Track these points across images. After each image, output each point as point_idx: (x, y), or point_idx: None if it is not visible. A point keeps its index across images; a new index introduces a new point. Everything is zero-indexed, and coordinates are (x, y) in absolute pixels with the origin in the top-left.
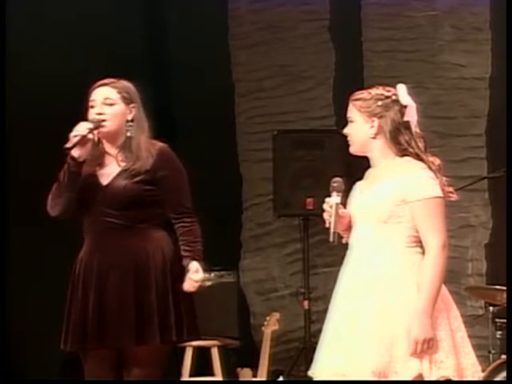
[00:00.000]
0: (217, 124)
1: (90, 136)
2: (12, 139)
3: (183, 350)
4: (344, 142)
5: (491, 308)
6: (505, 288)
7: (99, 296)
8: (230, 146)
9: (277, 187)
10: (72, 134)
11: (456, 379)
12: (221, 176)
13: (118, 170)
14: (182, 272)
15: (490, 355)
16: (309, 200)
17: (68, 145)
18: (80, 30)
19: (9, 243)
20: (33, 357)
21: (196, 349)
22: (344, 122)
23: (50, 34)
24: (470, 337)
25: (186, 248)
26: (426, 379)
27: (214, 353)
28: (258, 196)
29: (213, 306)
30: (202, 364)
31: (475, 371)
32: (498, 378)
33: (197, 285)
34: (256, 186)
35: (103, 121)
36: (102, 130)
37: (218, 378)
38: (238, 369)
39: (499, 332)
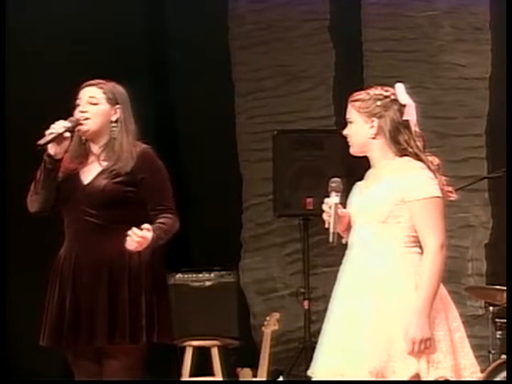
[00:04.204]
0: (217, 124)
1: (67, 134)
2: (11, 139)
3: (183, 349)
4: (344, 141)
5: (491, 308)
6: (505, 288)
7: (75, 294)
8: (230, 146)
9: (277, 187)
10: (47, 132)
11: (454, 379)
12: (221, 176)
13: (99, 169)
14: (157, 275)
15: (490, 355)
16: (309, 200)
17: (41, 141)
18: (80, 30)
19: (8, 242)
20: (33, 357)
21: (196, 349)
22: (344, 122)
23: (50, 34)
24: (469, 337)
25: (151, 225)
26: (424, 379)
27: (214, 353)
28: (257, 196)
29: (213, 305)
30: (202, 364)
31: (473, 371)
32: (498, 378)
33: (139, 240)
34: (256, 186)
35: (86, 119)
36: (82, 128)
37: (218, 377)
38: (238, 369)
39: (499, 332)
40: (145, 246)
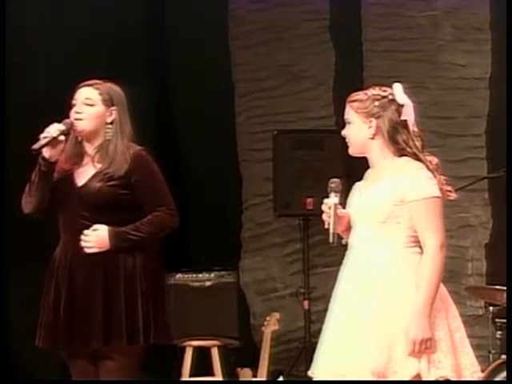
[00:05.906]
0: (217, 124)
1: (62, 137)
2: (11, 138)
3: (183, 349)
4: (344, 142)
5: (491, 308)
6: (505, 288)
7: (70, 296)
8: (230, 146)
9: (277, 187)
10: (42, 135)
11: (454, 379)
12: (221, 176)
13: (93, 171)
14: (154, 276)
15: (490, 355)
16: (309, 200)
17: (35, 146)
18: (79, 30)
19: (8, 242)
20: (32, 357)
21: (196, 349)
22: (344, 122)
23: (49, 35)
24: (469, 337)
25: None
26: (424, 379)
27: (214, 353)
28: (257, 196)
29: (213, 306)
30: (202, 364)
31: (474, 371)
32: (498, 378)
33: (87, 243)
34: (256, 185)
35: (80, 120)
36: (76, 128)
37: (218, 378)
38: (238, 369)
39: (499, 332)
40: (101, 246)
